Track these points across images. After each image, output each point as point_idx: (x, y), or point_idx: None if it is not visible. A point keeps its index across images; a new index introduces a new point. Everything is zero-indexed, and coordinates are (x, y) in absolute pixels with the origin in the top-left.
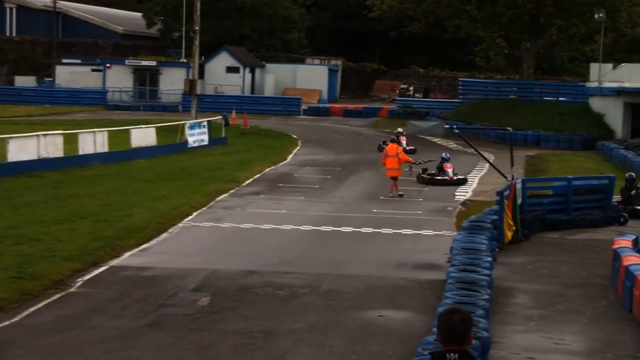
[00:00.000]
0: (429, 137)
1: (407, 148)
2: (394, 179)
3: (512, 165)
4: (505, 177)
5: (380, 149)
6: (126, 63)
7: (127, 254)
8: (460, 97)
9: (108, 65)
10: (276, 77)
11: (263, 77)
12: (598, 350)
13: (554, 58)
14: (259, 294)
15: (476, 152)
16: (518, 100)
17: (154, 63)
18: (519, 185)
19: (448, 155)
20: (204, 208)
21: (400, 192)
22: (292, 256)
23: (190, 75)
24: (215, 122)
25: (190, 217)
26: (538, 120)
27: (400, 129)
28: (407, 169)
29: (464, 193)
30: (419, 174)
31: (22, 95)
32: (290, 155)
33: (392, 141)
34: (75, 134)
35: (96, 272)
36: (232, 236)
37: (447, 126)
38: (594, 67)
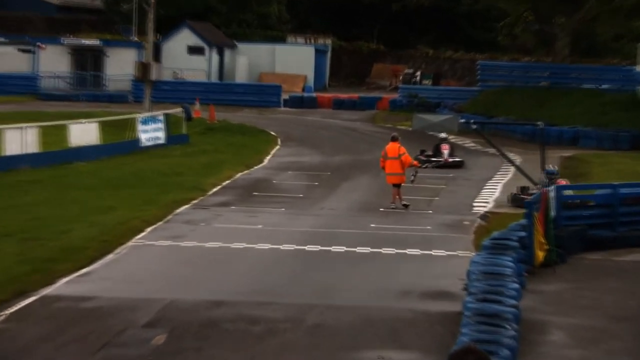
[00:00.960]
0: (440, 134)
1: (449, 160)
2: (397, 186)
3: (543, 169)
4: (535, 184)
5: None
6: (63, 42)
7: (63, 281)
8: (479, 84)
9: (40, 44)
10: (250, 60)
11: (234, 60)
12: None
13: (595, 36)
14: (228, 330)
15: (499, 153)
16: (551, 88)
17: (97, 42)
18: (552, 194)
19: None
20: (160, 223)
21: (405, 202)
22: (270, 283)
23: (143, 58)
24: (175, 116)
25: (143, 234)
26: (576, 113)
27: (444, 135)
28: (411, 175)
29: (483, 203)
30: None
31: None
32: (268, 157)
33: (393, 140)
34: None
35: (24, 303)
36: (195, 258)
37: (462, 120)
38: None
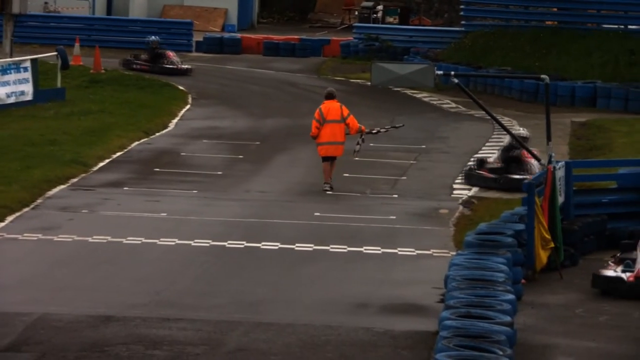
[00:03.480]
0: (409, 91)
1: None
2: (332, 160)
3: (548, 139)
4: (538, 160)
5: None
6: None
7: None
8: (463, 23)
9: None
10: None
11: None
12: None
13: None
14: (119, 355)
15: (489, 117)
16: (559, 28)
17: None
18: (560, 173)
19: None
20: (26, 209)
21: (328, 185)
22: (177, 291)
23: None
24: (46, 63)
25: (2, 224)
26: (593, 64)
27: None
28: (356, 144)
29: (467, 185)
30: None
31: None
32: (175, 120)
33: (330, 96)
34: None
35: None
36: (75, 257)
37: (439, 72)
38: None
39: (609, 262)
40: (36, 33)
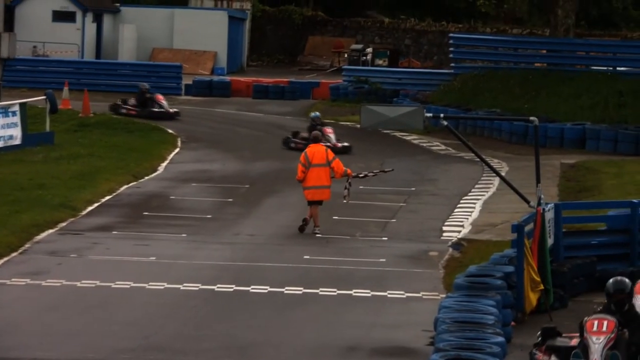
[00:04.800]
0: (398, 133)
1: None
2: (318, 204)
3: (538, 181)
4: (527, 202)
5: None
6: None
7: None
8: (452, 65)
9: None
10: (139, 30)
11: (117, 30)
12: None
13: (610, 1)
14: None
15: (478, 159)
16: (549, 70)
17: None
18: (549, 215)
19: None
20: (14, 254)
21: (318, 230)
22: (166, 335)
23: None
24: (35, 107)
25: None
26: (582, 105)
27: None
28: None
29: (457, 227)
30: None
31: None
32: (164, 164)
33: (316, 140)
34: None
35: None
36: (63, 302)
37: (429, 115)
38: None
39: (535, 353)
40: (25, 77)
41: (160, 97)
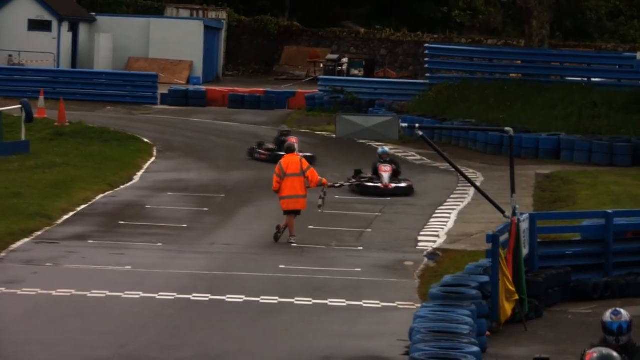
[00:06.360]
0: (374, 143)
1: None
2: (295, 213)
3: (512, 191)
4: (502, 212)
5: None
6: None
7: None
8: (428, 75)
9: None
10: (115, 40)
11: (92, 40)
12: None
13: (584, 12)
14: None
15: (453, 169)
16: (523, 81)
17: None
18: (524, 225)
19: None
20: None
21: (295, 240)
22: (142, 345)
23: None
24: (10, 115)
25: None
26: (557, 116)
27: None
28: (318, 198)
29: (432, 237)
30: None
31: None
32: (140, 173)
33: (290, 150)
34: None
35: None
36: (38, 311)
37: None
38: None
39: None
40: (0, 86)
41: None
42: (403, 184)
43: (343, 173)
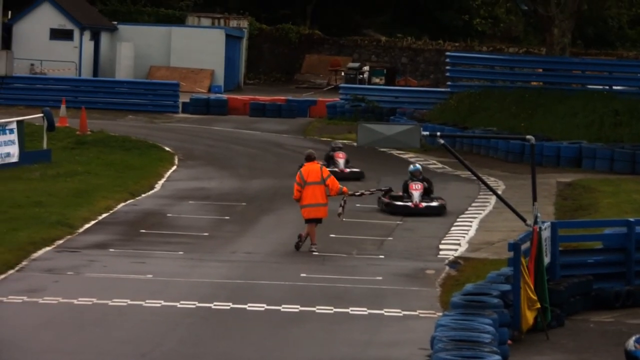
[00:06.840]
0: (395, 152)
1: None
2: (316, 222)
3: (534, 199)
4: (524, 220)
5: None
6: None
7: None
8: (449, 83)
9: None
10: (137, 48)
11: (114, 48)
12: None
13: (606, 20)
14: None
15: (475, 177)
16: (545, 89)
17: None
18: (546, 234)
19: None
20: (11, 271)
21: (316, 248)
22: (163, 353)
23: None
24: (32, 124)
25: None
26: (579, 124)
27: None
28: (338, 206)
29: (454, 245)
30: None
31: None
32: (161, 182)
33: (310, 159)
34: None
35: None
36: (60, 320)
37: (425, 133)
38: None
39: None
40: (22, 95)
41: (339, 155)
42: (435, 203)
43: (364, 181)
